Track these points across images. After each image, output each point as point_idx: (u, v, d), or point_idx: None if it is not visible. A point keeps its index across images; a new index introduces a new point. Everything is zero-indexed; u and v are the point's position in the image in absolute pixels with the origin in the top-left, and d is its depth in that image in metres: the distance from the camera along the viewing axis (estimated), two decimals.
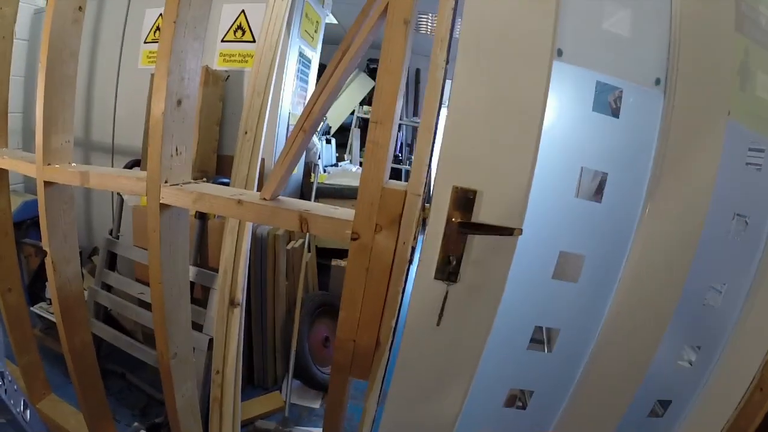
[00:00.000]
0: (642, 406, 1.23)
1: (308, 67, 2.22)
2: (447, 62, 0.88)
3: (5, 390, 0.86)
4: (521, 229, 0.86)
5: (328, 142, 3.22)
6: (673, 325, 1.09)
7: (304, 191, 2.43)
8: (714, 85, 1.02)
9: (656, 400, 1.25)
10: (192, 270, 1.73)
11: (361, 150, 4.94)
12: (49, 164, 1.37)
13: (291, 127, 2.11)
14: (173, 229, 1.15)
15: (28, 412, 0.93)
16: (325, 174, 2.52)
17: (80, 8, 1.40)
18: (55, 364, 2.08)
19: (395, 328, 0.98)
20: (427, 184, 0.89)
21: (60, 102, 1.39)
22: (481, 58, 0.86)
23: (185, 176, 1.14)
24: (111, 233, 2.04)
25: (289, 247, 2.05)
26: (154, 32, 2.19)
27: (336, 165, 3.43)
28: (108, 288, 2.00)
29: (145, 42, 2.21)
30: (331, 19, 2.39)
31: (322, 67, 2.62)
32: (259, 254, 1.88)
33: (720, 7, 1.02)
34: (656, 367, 1.14)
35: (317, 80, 2.44)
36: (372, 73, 5.16)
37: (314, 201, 2.23)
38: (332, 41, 2.87)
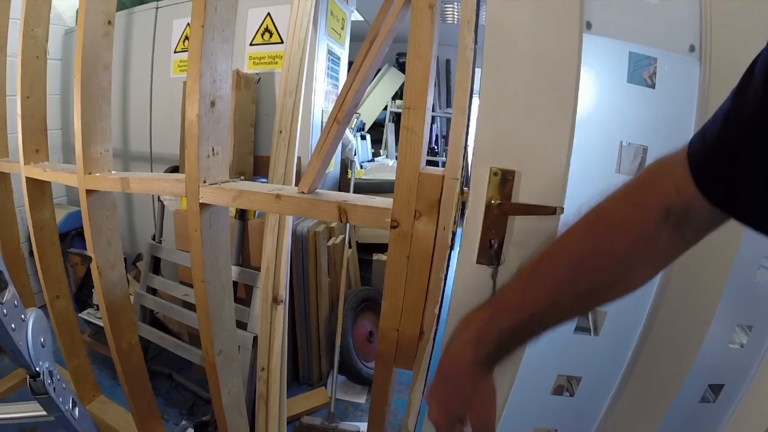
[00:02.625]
0: (693, 391, 1.19)
1: (338, 65, 2.23)
2: (476, 42, 0.86)
3: (54, 388, 0.88)
4: (563, 208, 0.84)
5: (363, 138, 3.24)
6: (724, 305, 1.04)
7: (341, 188, 2.44)
8: (750, 47, 0.98)
9: (708, 384, 1.21)
10: (234, 269, 1.77)
11: (396, 144, 4.93)
12: (89, 173, 1.42)
13: (324, 125, 2.12)
14: (214, 228, 1.17)
15: (77, 410, 0.96)
16: (362, 170, 2.53)
17: (109, 22, 1.44)
18: (104, 368, 2.16)
19: (439, 316, 0.97)
20: (465, 167, 0.88)
21: (97, 113, 1.43)
22: (508, 37, 0.84)
23: (223, 175, 1.16)
24: (154, 238, 2.10)
25: (329, 243, 2.06)
26: (183, 42, 2.24)
27: (372, 160, 3.42)
28: (153, 291, 2.06)
29: (174, 52, 2.27)
30: (357, 16, 2.39)
31: (350, 65, 2.62)
32: (300, 252, 1.89)
33: None
34: (706, 349, 1.09)
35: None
36: (402, 67, 5.14)
37: None
38: (359, 38, 2.86)
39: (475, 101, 0.86)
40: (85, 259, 2.44)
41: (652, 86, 0.96)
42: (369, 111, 4.47)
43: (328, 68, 2.11)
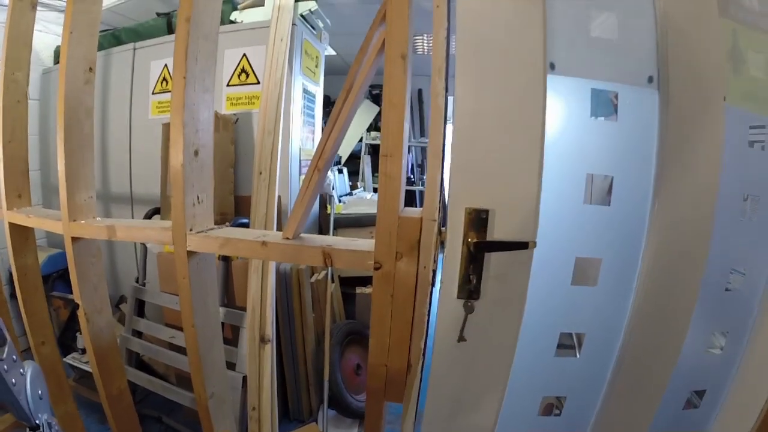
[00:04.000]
0: (677, 398, 1.25)
1: (313, 102, 2.30)
2: (447, 90, 0.93)
3: None
4: (535, 242, 0.91)
5: (340, 172, 3.30)
6: (699, 313, 1.11)
7: (321, 224, 2.49)
8: (706, 73, 1.06)
9: (691, 390, 1.27)
10: (220, 310, 1.79)
11: (373, 176, 5.04)
12: (74, 220, 1.45)
13: (303, 162, 2.18)
14: (202, 274, 1.21)
15: None
16: (341, 204, 2.59)
17: (90, 69, 1.48)
18: (91, 413, 2.14)
19: (425, 350, 1.02)
20: (442, 207, 0.94)
21: (80, 160, 1.47)
22: (478, 82, 0.91)
23: (208, 222, 1.21)
24: (137, 281, 2.11)
25: (312, 279, 2.10)
26: (161, 83, 2.29)
27: (350, 194, 3.48)
28: (139, 334, 2.07)
29: (153, 93, 2.32)
30: (330, 51, 2.47)
31: (326, 99, 2.72)
32: (285, 289, 1.93)
33: None
34: (686, 357, 1.16)
35: (323, 113, 2.54)
36: (375, 99, 5.25)
37: (333, 232, 2.29)
38: (333, 72, 2.96)
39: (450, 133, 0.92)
40: (68, 302, 2.43)
41: (614, 114, 1.04)
42: (344, 144, 4.54)
43: (304, 106, 2.17)
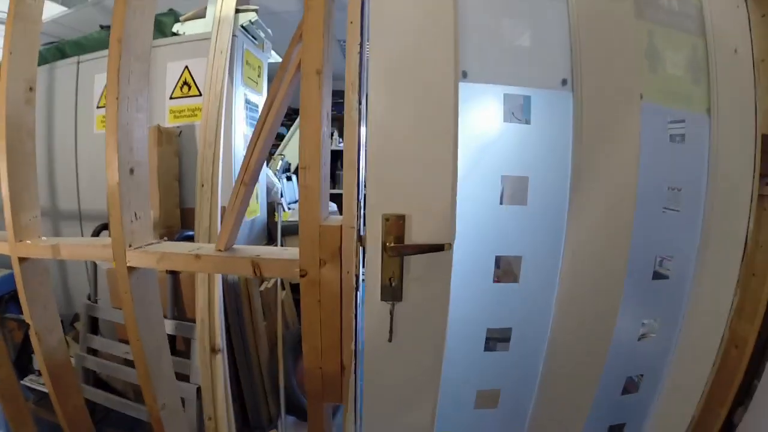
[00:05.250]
0: (613, 384, 1.37)
1: (256, 112, 2.37)
2: (360, 103, 1.03)
3: None
4: (450, 244, 1.01)
5: (289, 179, 3.37)
6: (629, 302, 1.23)
7: (270, 231, 2.57)
8: (619, 74, 1.17)
9: (627, 376, 1.39)
10: (170, 323, 1.86)
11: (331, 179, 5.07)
12: (20, 240, 1.50)
13: None
14: (143, 288, 1.28)
15: None
16: (289, 212, 2.67)
17: (31, 89, 1.54)
18: None
19: (356, 351, 1.11)
20: (360, 215, 1.04)
21: (23, 180, 1.52)
22: (389, 94, 1.00)
23: (148, 238, 1.28)
24: (89, 298, 2.16)
25: (262, 288, 2.17)
26: (105, 97, 2.33)
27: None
28: (94, 352, 2.12)
29: (97, 107, 2.36)
30: (276, 58, 2.56)
31: None
32: (234, 299, 2.00)
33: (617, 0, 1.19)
34: (621, 344, 1.28)
35: None
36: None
37: (281, 239, 2.37)
38: None
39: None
40: (22, 324, 2.45)
41: (527, 122, 1.14)
42: (294, 152, 4.61)
43: (247, 116, 2.25)
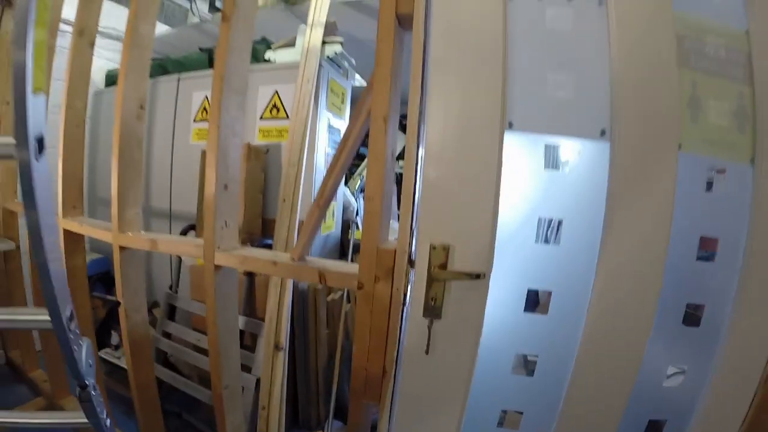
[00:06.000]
0: (634, 425, 1.48)
1: (338, 135, 2.66)
2: (418, 149, 1.24)
3: (95, 398, 1.25)
4: (486, 274, 1.20)
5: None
6: (655, 347, 1.35)
7: (343, 246, 2.83)
8: (658, 124, 1.30)
9: (649, 419, 1.49)
10: (242, 319, 2.15)
11: (397, 205, 5.31)
12: (123, 232, 1.83)
13: None
14: (225, 284, 1.56)
15: (108, 420, 1.32)
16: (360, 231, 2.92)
17: (142, 107, 1.89)
18: (118, 404, 2.52)
19: (397, 358, 1.31)
20: (412, 242, 1.25)
21: (130, 181, 1.86)
22: (444, 143, 1.22)
23: (233, 243, 1.56)
24: (170, 288, 2.50)
25: (329, 299, 2.43)
26: (201, 112, 2.71)
27: None
28: (168, 336, 2.45)
29: (194, 121, 2.74)
30: (360, 82, 2.86)
31: None
32: (302, 306, 2.26)
33: (660, 49, 1.30)
34: (643, 388, 1.40)
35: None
36: (404, 129, 5.61)
37: (351, 256, 2.63)
38: None
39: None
40: (106, 302, 2.85)
41: (566, 169, 1.31)
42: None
43: (329, 139, 2.54)
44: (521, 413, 1.43)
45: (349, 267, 1.34)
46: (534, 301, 1.34)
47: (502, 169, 1.22)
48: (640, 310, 1.33)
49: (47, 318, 1.11)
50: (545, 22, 1.31)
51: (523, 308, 1.32)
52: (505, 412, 1.43)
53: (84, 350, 1.20)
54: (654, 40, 1.31)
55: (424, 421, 1.36)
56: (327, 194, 1.33)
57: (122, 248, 1.84)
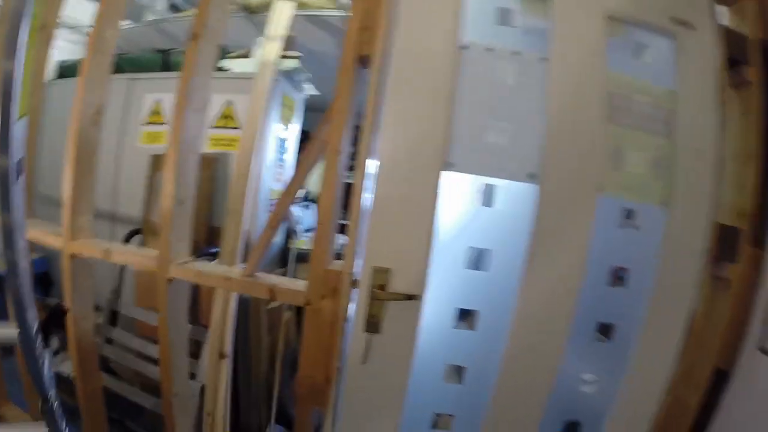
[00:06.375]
0: (552, 426, 1.78)
1: (285, 147, 2.88)
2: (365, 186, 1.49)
3: (56, 410, 1.44)
4: (420, 295, 1.46)
5: (307, 207, 3.87)
6: (570, 359, 1.65)
7: (286, 256, 3.04)
8: (581, 171, 1.59)
9: (565, 421, 1.80)
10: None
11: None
12: (74, 239, 1.98)
13: (271, 201, 2.75)
14: (177, 296, 1.75)
15: (67, 429, 1.51)
16: (304, 240, 3.14)
17: (98, 112, 2.05)
18: None
19: (340, 368, 1.56)
20: (356, 264, 1.49)
21: (84, 188, 2.00)
22: (390, 177, 1.46)
23: (186, 256, 1.76)
24: (113, 293, 2.65)
25: (270, 307, 2.64)
26: (153, 115, 2.85)
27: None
28: (110, 342, 2.60)
29: (143, 123, 2.88)
30: (314, 91, 3.09)
31: (304, 134, 3.27)
32: (244, 314, 2.46)
33: (591, 105, 1.58)
34: (560, 394, 1.70)
35: (301, 147, 3.12)
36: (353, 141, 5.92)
37: (294, 266, 2.85)
38: (315, 109, 3.56)
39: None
40: (44, 306, 2.94)
41: (497, 207, 1.59)
42: (315, 180, 5.20)
43: (278, 151, 2.74)
44: (452, 416, 1.71)
45: (298, 284, 1.56)
46: (463, 319, 1.61)
47: (440, 203, 1.48)
48: (555, 328, 1.62)
49: (15, 332, 1.27)
50: (492, 73, 1.57)
51: (453, 324, 1.60)
52: (438, 415, 1.71)
53: (47, 363, 1.39)
54: (586, 96, 1.60)
55: (366, 424, 1.61)
56: (279, 217, 1.56)
57: (73, 255, 1.98)
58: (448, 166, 1.51)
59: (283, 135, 2.79)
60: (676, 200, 1.67)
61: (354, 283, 1.48)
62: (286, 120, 2.80)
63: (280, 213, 1.56)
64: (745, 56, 1.80)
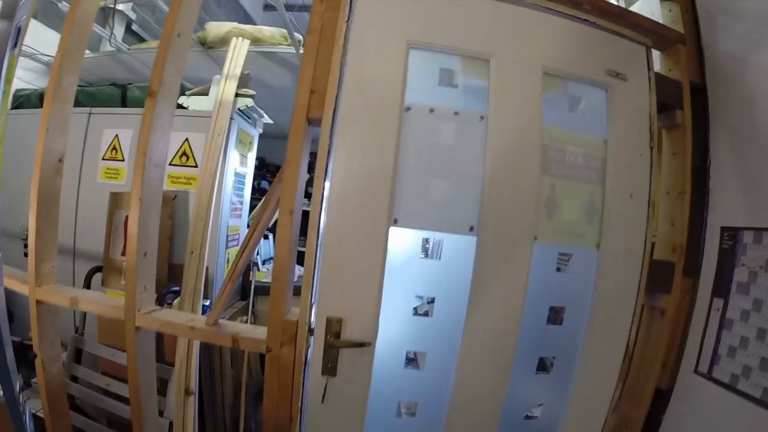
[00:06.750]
0: None
1: (243, 182, 3.10)
2: (318, 239, 1.73)
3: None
4: (371, 342, 1.71)
5: (266, 237, 4.10)
6: (515, 389, 1.92)
7: (245, 288, 3.26)
8: (518, 221, 1.82)
9: None
10: None
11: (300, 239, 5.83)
12: (39, 286, 2.18)
13: (230, 237, 2.98)
14: (145, 343, 1.96)
15: None
16: (263, 272, 3.38)
17: (60, 160, 2.24)
18: None
19: (301, 408, 1.80)
20: (312, 314, 1.74)
21: (48, 236, 2.18)
22: (338, 233, 1.69)
23: (151, 304, 1.98)
24: (76, 331, 2.84)
25: None
26: (111, 151, 3.04)
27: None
28: (75, 379, 2.80)
29: (102, 158, 3.07)
30: (268, 120, 3.32)
31: (261, 160, 3.51)
32: (208, 350, 2.68)
33: (526, 158, 1.82)
34: (508, 422, 1.97)
35: (257, 174, 3.35)
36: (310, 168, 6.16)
37: (253, 298, 3.09)
38: (271, 136, 3.80)
39: None
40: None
41: (440, 255, 1.84)
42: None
43: (235, 187, 2.97)
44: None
45: (258, 332, 1.80)
46: (413, 360, 1.87)
47: (387, 256, 1.72)
48: (499, 364, 1.87)
49: None
50: (434, 133, 1.81)
51: (403, 365, 1.85)
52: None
53: (27, 416, 1.60)
54: (523, 151, 1.84)
55: None
56: (239, 270, 1.79)
57: (39, 302, 2.16)
58: (394, 221, 1.74)
59: (240, 170, 3.02)
60: (609, 241, 1.95)
61: (311, 332, 1.72)
62: (243, 157, 3.02)
63: (238, 267, 1.79)
64: (676, 100, 2.09)
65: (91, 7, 2.20)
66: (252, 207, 3.91)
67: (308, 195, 1.73)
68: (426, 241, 1.82)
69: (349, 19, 1.76)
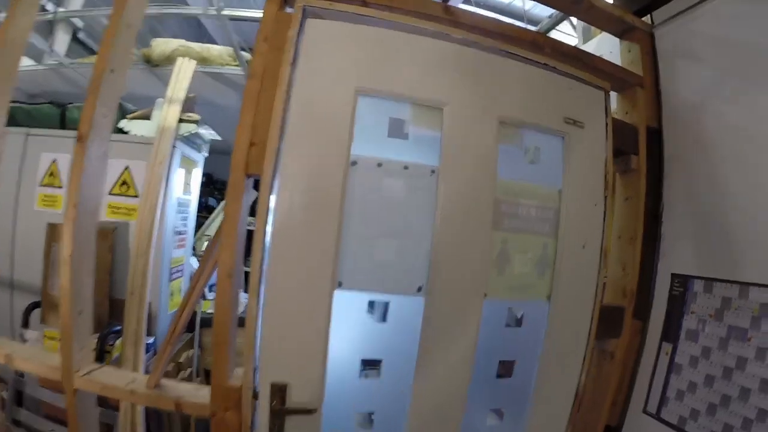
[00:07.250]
0: None
1: (186, 210, 3.12)
2: (258, 304, 1.78)
3: None
4: (315, 409, 1.78)
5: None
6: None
7: (192, 320, 3.28)
8: (467, 279, 1.88)
9: None
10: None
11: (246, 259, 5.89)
12: None
13: (172, 270, 3.01)
14: (85, 403, 2.01)
15: None
16: (209, 300, 3.41)
17: None
18: None
19: None
20: (255, 380, 1.80)
21: None
22: (279, 299, 1.73)
23: (89, 364, 2.02)
24: (16, 372, 2.86)
25: None
26: (49, 176, 3.03)
27: None
28: (17, 423, 2.83)
29: (40, 185, 3.06)
30: (215, 136, 3.34)
31: (208, 176, 3.52)
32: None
33: (477, 214, 1.88)
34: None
35: (204, 191, 3.36)
36: (255, 185, 6.21)
37: (199, 331, 3.13)
38: (218, 152, 3.82)
39: None
40: None
41: (385, 321, 1.90)
42: (214, 227, 5.42)
43: (178, 216, 2.99)
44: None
45: (202, 396, 1.85)
46: (362, 421, 1.95)
47: (332, 320, 1.76)
48: (449, 421, 1.96)
49: None
50: (381, 188, 1.84)
51: (354, 428, 1.93)
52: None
53: None
54: (474, 206, 1.90)
55: None
56: (178, 332, 1.84)
57: None
58: (339, 284, 1.79)
59: (184, 198, 3.04)
60: (560, 292, 2.04)
61: (255, 396, 1.78)
62: (186, 184, 3.05)
63: (178, 327, 1.84)
64: (632, 145, 2.18)
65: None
66: (199, 225, 3.91)
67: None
68: (372, 304, 1.87)
69: (294, 61, 1.76)
